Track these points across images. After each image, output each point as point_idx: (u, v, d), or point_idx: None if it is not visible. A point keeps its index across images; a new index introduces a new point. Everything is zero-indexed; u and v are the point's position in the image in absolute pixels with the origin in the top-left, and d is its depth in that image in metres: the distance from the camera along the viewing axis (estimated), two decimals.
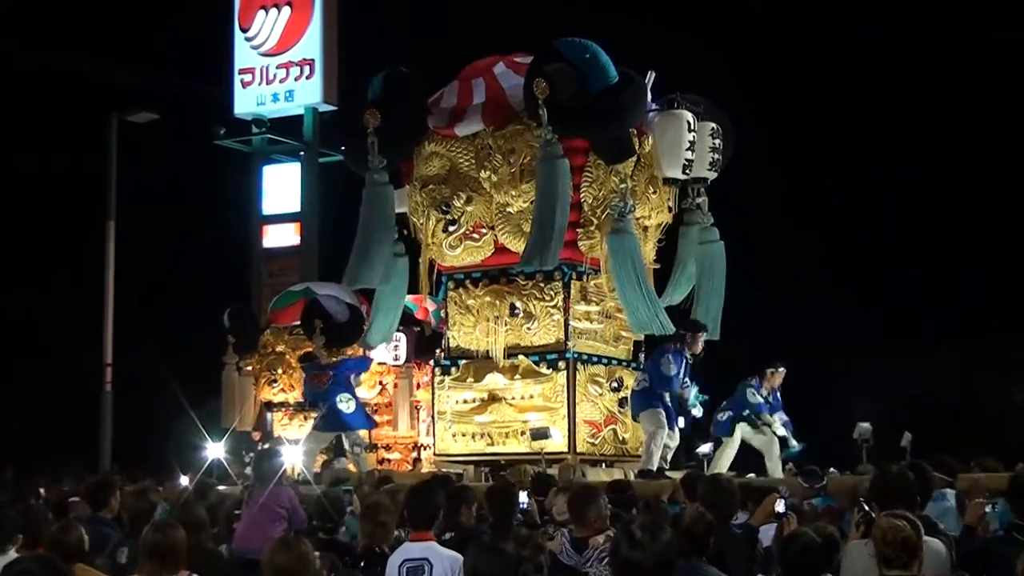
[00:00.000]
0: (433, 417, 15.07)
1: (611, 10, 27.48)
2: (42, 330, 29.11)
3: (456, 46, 14.89)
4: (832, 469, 13.66)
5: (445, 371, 14.75)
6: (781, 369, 14.90)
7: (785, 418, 14.80)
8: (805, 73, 28.01)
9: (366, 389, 17.71)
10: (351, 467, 15.19)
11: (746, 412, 14.44)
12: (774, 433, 14.49)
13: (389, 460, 18.67)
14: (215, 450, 16.06)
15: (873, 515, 6.00)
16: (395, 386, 18.38)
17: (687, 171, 13.93)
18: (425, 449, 17.97)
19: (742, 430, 14.49)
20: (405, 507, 7.15)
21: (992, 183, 26.38)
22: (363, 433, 15.74)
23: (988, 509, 7.08)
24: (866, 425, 13.92)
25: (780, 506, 7.06)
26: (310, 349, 16.43)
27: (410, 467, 18.26)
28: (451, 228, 14.47)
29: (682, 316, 14.46)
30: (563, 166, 13.20)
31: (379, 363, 18.05)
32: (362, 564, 7.10)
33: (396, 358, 18.43)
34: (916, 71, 27.18)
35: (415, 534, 6.90)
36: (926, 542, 5.80)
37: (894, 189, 27.45)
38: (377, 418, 17.98)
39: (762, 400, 14.57)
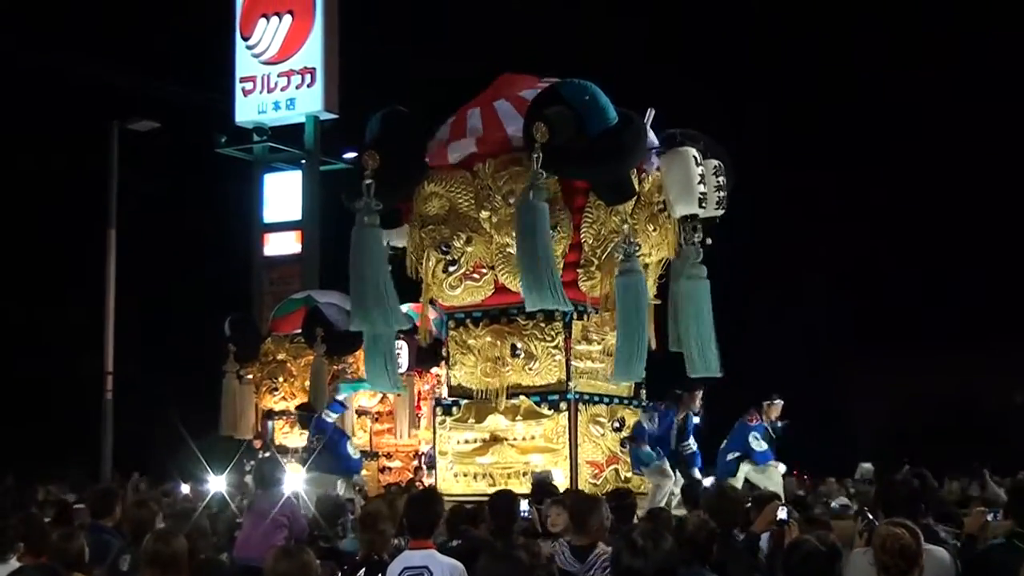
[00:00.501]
0: (434, 456, 15.12)
1: (612, 13, 27.51)
2: (43, 338, 29.12)
3: (457, 55, 14.89)
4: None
5: (447, 411, 14.76)
6: (778, 401, 14.92)
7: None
8: (805, 73, 28.05)
9: (367, 397, 17.70)
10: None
11: (757, 458, 14.50)
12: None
13: (390, 468, 18.66)
14: (217, 484, 16.00)
15: (876, 523, 6.00)
16: (397, 394, 18.35)
17: (703, 204, 13.94)
18: (424, 458, 17.95)
19: (745, 470, 14.55)
20: (405, 515, 7.15)
21: (992, 183, 26.43)
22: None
23: (989, 518, 7.09)
24: (868, 466, 13.92)
25: (782, 514, 7.05)
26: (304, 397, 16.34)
27: (411, 475, 18.24)
28: (451, 268, 14.48)
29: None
30: (543, 211, 13.19)
31: None
32: (362, 572, 7.09)
33: (398, 366, 18.41)
34: (916, 71, 27.24)
35: (415, 542, 6.91)
36: (929, 550, 5.79)
37: (894, 189, 27.51)
38: (378, 426, 17.97)
39: (767, 447, 14.60)
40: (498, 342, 14.35)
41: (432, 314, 17.80)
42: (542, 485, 11.35)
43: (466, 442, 14.47)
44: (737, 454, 14.55)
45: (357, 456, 15.36)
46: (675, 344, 14.10)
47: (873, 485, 13.71)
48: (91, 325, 23.31)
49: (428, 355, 17.82)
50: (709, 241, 14.59)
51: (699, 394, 14.12)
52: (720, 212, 14.32)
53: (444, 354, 14.92)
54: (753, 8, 29.30)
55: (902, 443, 13.18)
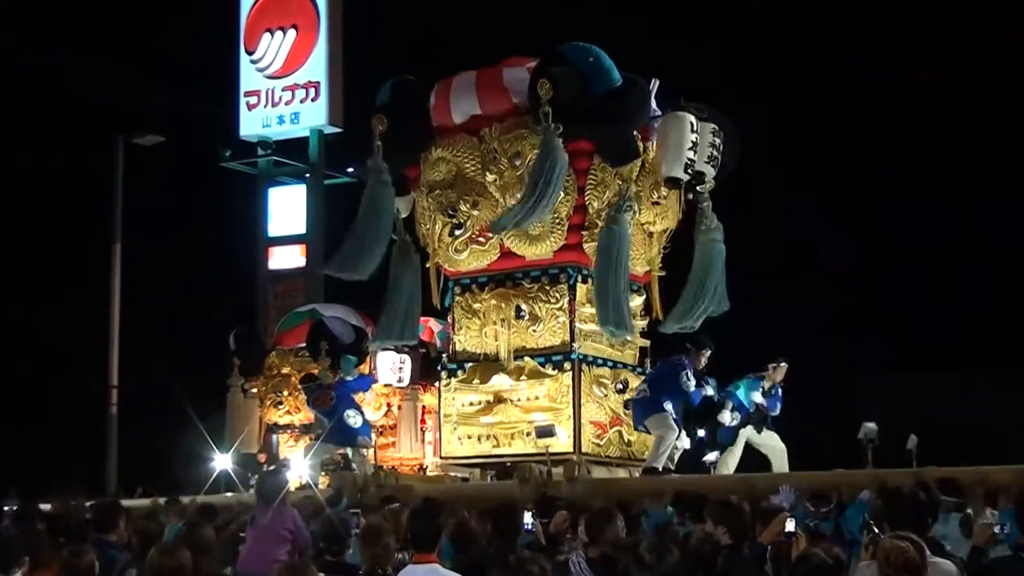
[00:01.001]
0: (439, 420, 15.15)
1: (615, 14, 27.53)
2: (48, 352, 29.11)
3: (461, 69, 14.96)
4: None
5: (451, 374, 14.90)
6: (783, 364, 14.87)
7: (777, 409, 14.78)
8: (805, 73, 28.02)
9: (372, 411, 17.69)
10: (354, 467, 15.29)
11: (750, 413, 14.45)
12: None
13: None
14: (223, 461, 16.07)
15: (881, 536, 6.00)
16: (400, 408, 18.35)
17: (688, 170, 13.98)
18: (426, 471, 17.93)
19: (746, 433, 14.51)
20: (407, 529, 7.14)
21: (992, 183, 26.40)
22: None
23: (997, 530, 7.07)
24: (871, 425, 13.66)
25: (790, 525, 7.04)
26: (314, 370, 16.43)
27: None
28: (457, 232, 14.66)
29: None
30: (561, 157, 13.31)
31: (384, 384, 18.02)
32: None
33: (401, 380, 18.39)
34: (916, 71, 27.23)
35: (419, 556, 6.88)
36: (936, 563, 5.79)
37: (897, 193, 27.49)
38: (382, 440, 17.94)
39: (761, 399, 14.58)
40: (503, 304, 14.48)
41: (436, 327, 17.85)
42: (546, 500, 11.31)
43: (471, 404, 14.59)
44: (737, 420, 14.46)
45: (359, 423, 15.33)
46: (686, 302, 14.02)
47: (873, 443, 13.59)
48: (96, 338, 23.33)
49: (432, 369, 17.82)
50: (704, 204, 14.58)
51: (706, 354, 14.03)
52: (710, 170, 14.36)
53: (449, 320, 14.98)
54: (753, 8, 29.32)
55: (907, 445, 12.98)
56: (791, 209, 26.67)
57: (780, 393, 14.89)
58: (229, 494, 15.18)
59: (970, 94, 27.43)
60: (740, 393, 14.62)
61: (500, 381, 14.41)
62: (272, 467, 15.37)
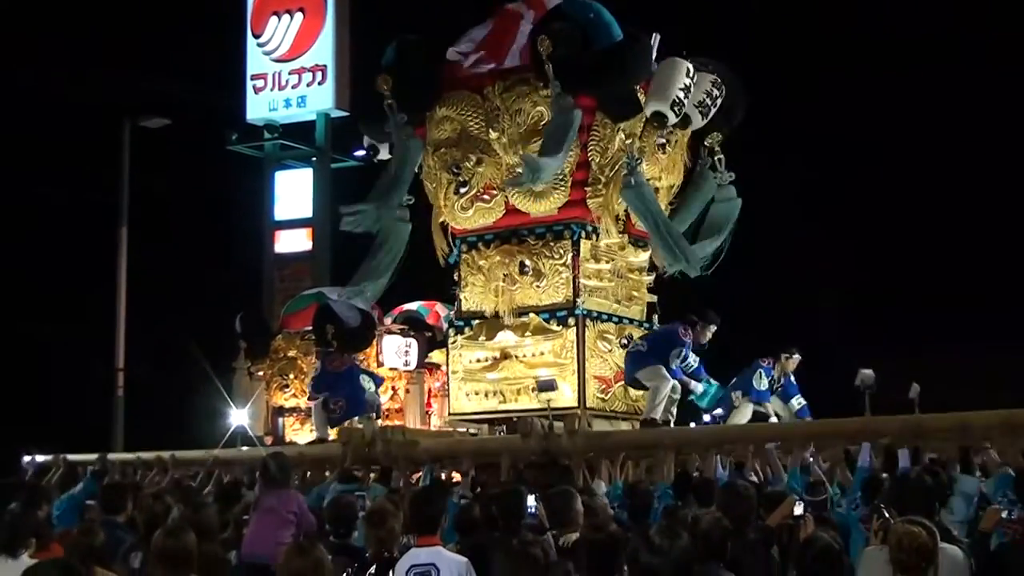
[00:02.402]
0: (448, 377, 15.26)
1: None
2: (55, 336, 29.14)
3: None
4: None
5: (459, 331, 15.02)
6: (796, 356, 14.81)
7: (803, 402, 14.74)
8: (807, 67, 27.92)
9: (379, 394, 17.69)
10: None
11: (752, 395, 14.43)
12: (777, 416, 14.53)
13: None
14: (239, 417, 16.12)
15: (892, 521, 5.99)
16: (407, 391, 18.37)
17: (675, 109, 13.91)
18: None
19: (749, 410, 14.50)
20: (408, 512, 7.16)
21: (993, 183, 26.36)
22: None
23: (1004, 515, 7.06)
24: (868, 372, 13.38)
25: (798, 509, 7.03)
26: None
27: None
28: (462, 190, 14.79)
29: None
30: (576, 116, 13.44)
31: (390, 368, 18.04)
32: (373, 569, 7.08)
33: (407, 363, 18.41)
34: (913, 68, 27.13)
35: (421, 539, 6.93)
36: (944, 549, 5.79)
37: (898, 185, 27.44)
38: (388, 423, 17.94)
39: (767, 387, 14.53)
40: (507, 260, 14.58)
41: (442, 311, 17.85)
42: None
43: (477, 360, 14.74)
44: (739, 393, 14.45)
45: (371, 388, 15.41)
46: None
47: (871, 390, 13.35)
48: (103, 322, 23.35)
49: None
50: (718, 158, 14.62)
51: (711, 329, 14.01)
52: (699, 119, 14.36)
53: (456, 278, 15.04)
54: (753, 9, 29.18)
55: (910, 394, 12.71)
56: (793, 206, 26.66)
57: (793, 382, 14.83)
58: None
59: (971, 93, 27.32)
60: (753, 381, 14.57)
61: (505, 337, 14.53)
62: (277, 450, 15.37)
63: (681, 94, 13.85)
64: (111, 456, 15.79)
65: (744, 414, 14.54)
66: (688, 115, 14.08)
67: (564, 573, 5.69)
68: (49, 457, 15.75)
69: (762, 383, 14.51)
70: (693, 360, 13.80)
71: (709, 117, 14.39)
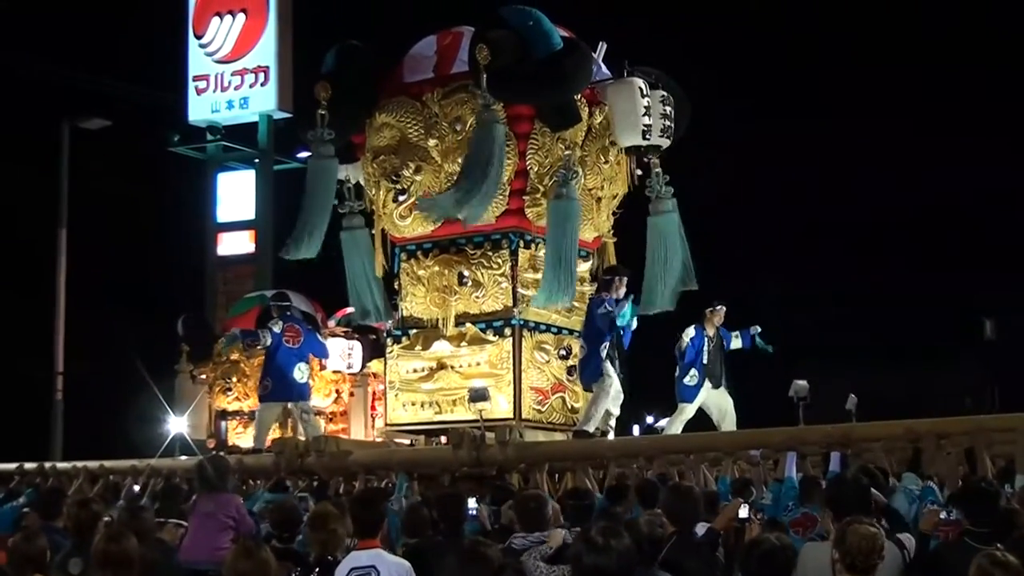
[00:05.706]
0: (385, 387, 15.19)
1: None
2: None
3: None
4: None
5: (396, 340, 14.93)
6: (720, 307, 14.94)
7: (746, 332, 14.90)
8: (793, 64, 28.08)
9: (321, 397, 17.59)
10: (300, 435, 15.22)
11: (704, 363, 14.50)
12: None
13: None
14: (177, 424, 15.94)
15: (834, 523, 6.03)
16: (351, 395, 18.25)
17: (647, 136, 13.98)
18: None
19: (705, 394, 14.57)
20: (350, 515, 7.14)
21: (992, 183, 26.63)
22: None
23: (943, 515, 7.13)
24: (803, 383, 13.60)
25: (743, 512, 7.07)
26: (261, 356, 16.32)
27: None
28: (401, 198, 14.68)
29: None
30: (498, 130, 13.38)
31: (334, 371, 17.92)
32: (316, 572, 7.04)
33: (350, 366, 18.30)
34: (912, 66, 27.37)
35: (362, 542, 6.92)
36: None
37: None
38: (332, 426, 17.83)
39: (692, 347, 14.61)
40: (446, 271, 14.50)
41: (389, 324, 17.77)
42: (500, 488, 11.31)
43: (413, 371, 14.65)
44: (697, 379, 14.50)
45: (304, 380, 15.33)
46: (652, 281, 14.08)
47: (805, 401, 13.53)
48: (41, 325, 23.06)
49: (383, 355, 17.76)
50: (656, 171, 14.63)
51: (623, 281, 14.11)
52: (666, 142, 14.42)
53: (396, 287, 14.98)
54: (751, 9, 29.32)
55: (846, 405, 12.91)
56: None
57: (727, 333, 14.98)
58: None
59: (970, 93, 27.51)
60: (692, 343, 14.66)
61: (441, 347, 14.46)
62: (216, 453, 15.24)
63: (646, 119, 13.92)
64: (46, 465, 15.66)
65: (689, 412, 14.67)
66: (658, 144, 14.19)
67: (515, 573, 5.68)
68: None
69: (685, 344, 14.62)
70: (625, 311, 13.88)
71: (671, 135, 14.44)
